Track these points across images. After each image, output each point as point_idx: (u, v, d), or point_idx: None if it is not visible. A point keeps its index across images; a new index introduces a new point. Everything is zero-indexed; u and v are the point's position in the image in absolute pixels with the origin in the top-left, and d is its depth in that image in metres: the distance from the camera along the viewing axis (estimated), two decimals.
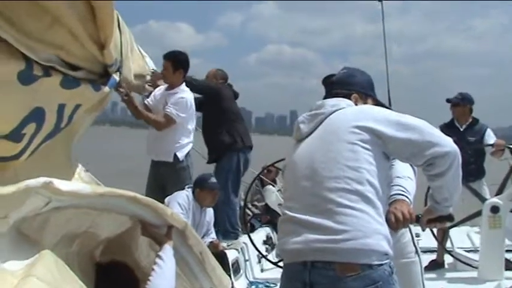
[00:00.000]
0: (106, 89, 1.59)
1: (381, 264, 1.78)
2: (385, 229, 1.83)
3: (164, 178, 4.74)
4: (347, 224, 1.77)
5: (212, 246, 4.14)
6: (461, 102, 5.32)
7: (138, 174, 5.76)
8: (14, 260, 1.16)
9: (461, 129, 5.33)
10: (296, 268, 1.87)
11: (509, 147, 5.17)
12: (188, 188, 4.43)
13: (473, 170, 5.26)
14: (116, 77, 1.66)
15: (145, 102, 4.76)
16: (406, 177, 2.20)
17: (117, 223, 1.70)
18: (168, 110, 4.53)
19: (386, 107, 2.22)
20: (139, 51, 2.74)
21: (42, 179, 1.15)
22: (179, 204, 4.17)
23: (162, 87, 4.71)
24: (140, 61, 2.89)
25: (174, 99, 4.58)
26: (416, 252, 2.62)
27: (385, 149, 1.90)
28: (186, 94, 4.65)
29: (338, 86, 2.22)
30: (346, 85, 2.21)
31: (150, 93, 4.69)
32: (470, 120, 5.35)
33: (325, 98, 2.22)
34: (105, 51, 1.42)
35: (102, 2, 1.29)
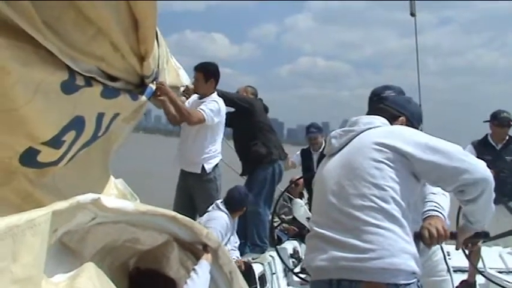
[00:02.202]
0: (143, 98, 1.63)
1: (408, 284, 1.77)
2: (412, 248, 1.82)
3: (192, 188, 4.77)
4: (373, 242, 1.77)
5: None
6: (508, 125, 5.22)
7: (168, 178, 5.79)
8: (57, 271, 1.19)
9: (498, 148, 5.21)
10: (322, 286, 1.88)
11: None
12: (222, 204, 4.41)
13: (509, 189, 5.15)
14: (153, 86, 1.69)
15: None
16: (440, 194, 2.19)
17: (153, 238, 1.73)
18: (201, 107, 4.54)
19: None
20: (174, 63, 2.79)
21: (90, 195, 1.18)
22: (220, 233, 4.16)
23: (194, 96, 4.75)
24: (174, 73, 2.94)
25: (208, 102, 4.61)
26: (448, 270, 2.58)
27: (413, 169, 1.88)
28: (219, 100, 4.68)
29: (391, 104, 2.23)
30: (400, 107, 2.22)
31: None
32: (507, 138, 5.24)
33: (368, 111, 2.21)
34: (144, 63, 1.44)
35: (146, 15, 1.31)
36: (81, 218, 1.21)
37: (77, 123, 1.41)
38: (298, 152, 6.71)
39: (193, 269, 1.71)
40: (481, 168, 1.84)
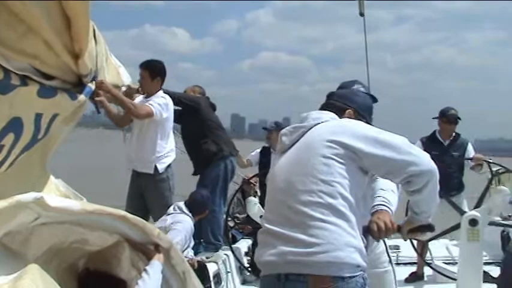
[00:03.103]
0: (82, 97, 1.59)
1: (353, 276, 1.81)
2: (357, 241, 1.86)
3: (144, 189, 4.72)
4: (319, 237, 1.80)
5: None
6: (455, 122, 5.40)
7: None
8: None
9: (445, 144, 5.40)
10: (271, 280, 1.91)
11: (487, 162, 5.26)
12: (185, 207, 4.37)
13: (455, 184, 5.35)
14: (92, 86, 1.66)
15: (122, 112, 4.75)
16: (389, 190, 2.25)
17: (103, 239, 1.70)
18: (149, 102, 4.48)
19: None
20: (115, 61, 2.75)
21: (33, 194, 1.15)
22: (185, 237, 4.14)
23: (140, 97, 4.69)
24: (115, 71, 2.89)
25: (155, 97, 4.56)
26: (390, 261, 2.66)
27: (362, 163, 1.92)
28: (166, 96, 4.64)
29: (338, 98, 2.27)
30: (347, 100, 2.25)
31: None
32: (454, 135, 5.44)
33: (320, 108, 2.25)
34: (79, 61, 1.42)
35: (78, 14, 1.29)
36: (23, 218, 1.17)
37: (14, 125, 1.36)
38: (258, 150, 6.73)
39: (145, 270, 1.69)
40: (426, 160, 1.90)
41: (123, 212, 1.54)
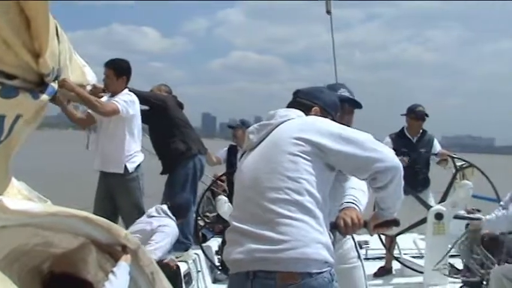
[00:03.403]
0: (44, 97, 1.56)
1: (321, 272, 1.83)
2: (325, 238, 1.88)
3: (114, 189, 4.65)
4: (286, 234, 1.81)
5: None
6: (423, 118, 5.48)
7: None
8: None
9: (414, 141, 5.48)
10: (240, 278, 1.91)
11: (451, 157, 5.38)
12: (169, 211, 4.34)
13: (422, 180, 5.46)
14: (54, 85, 1.63)
15: (88, 112, 4.68)
16: (359, 189, 2.28)
17: (68, 241, 1.67)
18: (114, 99, 4.43)
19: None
20: (79, 60, 2.70)
21: None
22: (170, 242, 4.14)
23: (105, 96, 4.62)
24: (79, 70, 2.84)
25: (120, 96, 4.50)
26: (359, 257, 2.70)
27: (328, 160, 1.94)
28: (131, 94, 4.58)
29: (304, 96, 2.27)
30: (312, 97, 2.25)
31: None
32: (421, 131, 5.54)
33: (287, 106, 2.26)
34: (40, 60, 1.39)
35: (37, 11, 1.26)
36: None
37: None
38: (226, 148, 6.72)
39: (112, 271, 1.67)
40: (390, 157, 1.93)
41: (86, 213, 1.52)
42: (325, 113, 2.22)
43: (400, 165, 1.94)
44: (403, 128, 5.55)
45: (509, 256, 3.93)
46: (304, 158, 1.90)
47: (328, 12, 5.47)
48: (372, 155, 1.90)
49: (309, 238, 1.82)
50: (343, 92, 2.63)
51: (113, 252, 1.77)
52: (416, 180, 5.38)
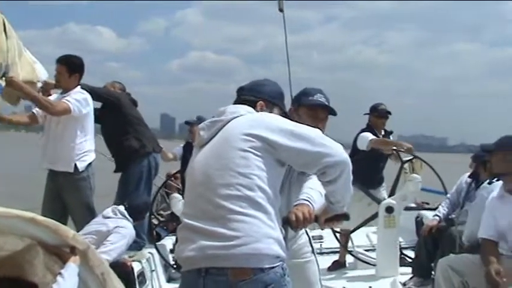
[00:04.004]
0: None
1: (273, 267, 1.84)
2: (276, 233, 1.89)
3: (63, 189, 4.52)
4: (238, 230, 1.82)
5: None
6: (386, 116, 5.59)
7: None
8: None
9: (381, 137, 5.58)
10: (192, 276, 1.90)
11: (397, 151, 5.50)
12: (126, 212, 4.25)
13: (381, 177, 5.61)
14: (2, 82, 1.57)
15: (34, 111, 4.55)
16: (316, 190, 2.31)
17: (14, 243, 1.62)
18: (66, 98, 4.29)
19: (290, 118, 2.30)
20: (29, 56, 2.61)
21: None
22: (127, 244, 4.04)
23: (55, 95, 4.50)
24: (29, 67, 2.75)
25: (72, 93, 4.37)
26: (313, 251, 2.74)
27: (279, 156, 1.96)
28: (84, 92, 4.46)
29: (247, 92, 2.27)
30: (255, 92, 2.25)
31: None
32: (384, 129, 5.66)
33: (234, 103, 2.25)
34: None
35: None
36: None
37: None
38: (182, 145, 6.65)
39: (60, 273, 1.64)
40: (339, 151, 1.95)
41: (32, 214, 1.47)
42: (270, 104, 2.23)
43: (349, 160, 1.98)
44: (369, 125, 5.59)
45: (454, 247, 4.08)
46: (255, 154, 1.91)
47: (281, 10, 5.51)
48: (322, 150, 1.92)
49: (261, 233, 1.83)
50: (320, 98, 2.65)
51: (60, 253, 1.73)
52: (380, 176, 5.52)
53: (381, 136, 5.55)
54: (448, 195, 4.91)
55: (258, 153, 1.91)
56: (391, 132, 5.71)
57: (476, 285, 3.24)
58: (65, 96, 4.35)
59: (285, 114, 2.28)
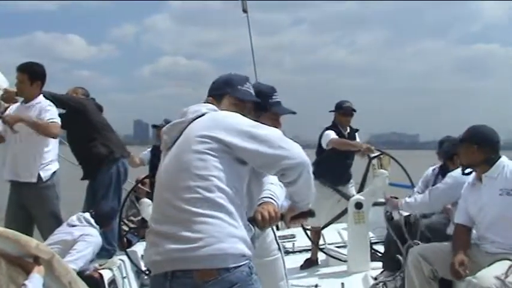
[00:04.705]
0: None
1: (239, 266, 1.84)
2: (240, 232, 1.89)
3: (27, 200, 4.42)
4: (201, 231, 1.82)
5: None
6: (351, 114, 5.65)
7: None
8: None
9: (346, 137, 5.61)
10: (159, 280, 1.90)
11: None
12: (92, 219, 4.19)
13: (350, 173, 5.66)
14: None
15: None
16: (277, 184, 2.31)
17: None
18: (48, 117, 4.25)
19: (254, 100, 2.31)
20: None
21: None
22: (93, 252, 3.98)
23: (16, 104, 4.42)
24: None
25: (42, 108, 4.31)
26: (279, 249, 2.76)
27: (237, 156, 1.95)
28: (49, 102, 4.40)
29: (212, 90, 2.28)
30: (220, 88, 2.26)
31: (4, 110, 4.38)
32: (350, 126, 5.72)
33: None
34: None
35: None
36: None
37: None
38: (149, 149, 6.58)
39: (23, 284, 1.61)
40: (298, 153, 1.95)
41: None
42: (218, 97, 2.23)
43: (308, 161, 1.99)
44: (334, 123, 5.65)
45: (423, 238, 4.16)
46: (212, 155, 1.91)
47: (244, 11, 5.55)
48: (280, 153, 1.92)
49: (224, 233, 1.83)
50: (276, 98, 2.65)
51: (24, 264, 1.70)
52: (347, 173, 5.58)
53: (346, 133, 5.63)
54: (416, 188, 4.98)
55: (216, 154, 1.91)
56: (356, 130, 5.77)
57: (445, 274, 3.31)
58: (28, 107, 4.27)
59: (238, 100, 2.25)
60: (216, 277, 1.80)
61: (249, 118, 2.07)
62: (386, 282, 4.13)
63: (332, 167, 5.23)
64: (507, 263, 2.89)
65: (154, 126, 6.39)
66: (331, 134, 5.38)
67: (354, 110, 5.68)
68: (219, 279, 1.80)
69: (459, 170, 3.62)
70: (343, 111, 5.62)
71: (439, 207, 4.20)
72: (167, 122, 6.08)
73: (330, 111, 5.71)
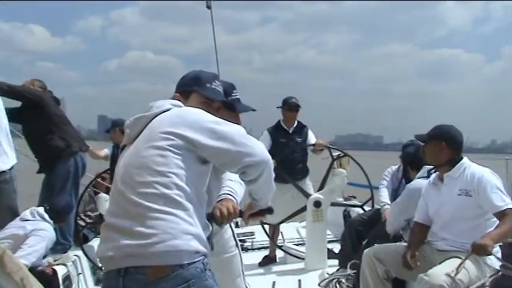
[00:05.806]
0: None
1: (193, 262, 1.83)
2: (195, 229, 1.88)
3: None
4: (155, 227, 1.80)
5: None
6: (296, 109, 5.74)
7: None
8: None
9: (290, 132, 5.73)
10: (112, 276, 1.87)
11: (328, 147, 5.69)
12: (46, 214, 4.08)
13: (300, 169, 5.71)
14: None
15: None
16: (236, 181, 2.32)
17: None
18: None
19: (222, 100, 2.29)
20: None
21: None
22: (46, 247, 3.90)
23: None
24: None
25: None
26: (237, 245, 2.78)
27: (200, 154, 1.95)
28: None
29: (180, 87, 2.26)
30: (186, 84, 2.24)
31: None
32: (297, 122, 5.79)
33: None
34: None
35: None
36: None
37: None
38: (113, 144, 6.47)
39: None
40: (260, 151, 1.96)
41: None
42: (185, 93, 2.22)
43: (270, 160, 2.00)
44: (279, 120, 5.81)
45: (376, 238, 4.23)
46: (174, 152, 1.90)
47: (208, 7, 5.53)
48: (242, 150, 1.93)
49: (178, 230, 1.82)
50: (236, 96, 2.65)
51: None
52: (295, 169, 5.62)
53: (290, 130, 5.73)
54: (385, 184, 4.92)
55: (178, 151, 1.90)
56: (304, 126, 5.86)
57: (398, 274, 3.39)
58: None
59: (205, 98, 2.24)
60: (169, 274, 1.78)
61: (215, 115, 2.06)
62: (340, 279, 4.19)
63: (285, 161, 5.30)
64: (457, 260, 2.98)
65: (107, 131, 6.26)
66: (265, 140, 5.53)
67: (299, 106, 5.79)
68: (172, 275, 1.79)
69: (416, 181, 3.74)
70: (288, 106, 5.74)
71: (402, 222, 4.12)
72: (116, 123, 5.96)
73: (277, 107, 5.83)
